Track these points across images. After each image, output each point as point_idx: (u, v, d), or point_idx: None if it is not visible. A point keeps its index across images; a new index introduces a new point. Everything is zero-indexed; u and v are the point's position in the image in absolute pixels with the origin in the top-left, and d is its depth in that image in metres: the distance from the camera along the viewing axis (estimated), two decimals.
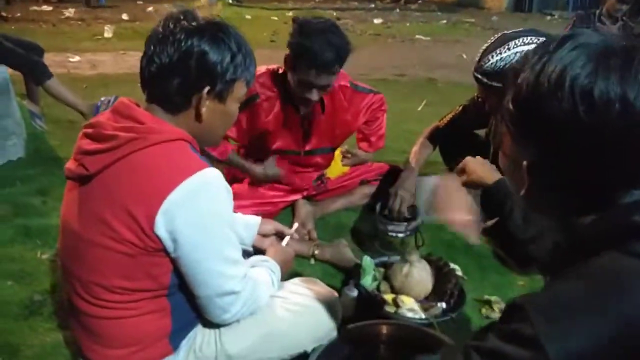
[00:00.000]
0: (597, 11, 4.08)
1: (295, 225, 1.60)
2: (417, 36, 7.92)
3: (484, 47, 1.75)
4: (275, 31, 7.63)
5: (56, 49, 5.49)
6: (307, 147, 2.16)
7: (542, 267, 1.03)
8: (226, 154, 2.04)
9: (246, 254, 1.44)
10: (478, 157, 1.40)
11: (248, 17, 8.84)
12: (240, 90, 1.10)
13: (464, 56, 6.50)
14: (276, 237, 1.53)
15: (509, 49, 1.65)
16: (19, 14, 7.65)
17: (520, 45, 1.65)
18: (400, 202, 1.99)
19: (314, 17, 1.88)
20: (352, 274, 1.83)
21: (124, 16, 8.23)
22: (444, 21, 9.67)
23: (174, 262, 1.03)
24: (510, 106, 0.66)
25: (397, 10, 11.24)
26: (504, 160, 0.73)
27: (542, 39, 1.63)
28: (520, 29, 1.75)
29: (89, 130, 1.06)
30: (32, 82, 3.16)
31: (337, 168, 2.40)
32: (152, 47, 1.02)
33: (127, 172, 0.99)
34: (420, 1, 12.69)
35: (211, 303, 1.07)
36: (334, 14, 9.83)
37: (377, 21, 9.30)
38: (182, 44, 1.00)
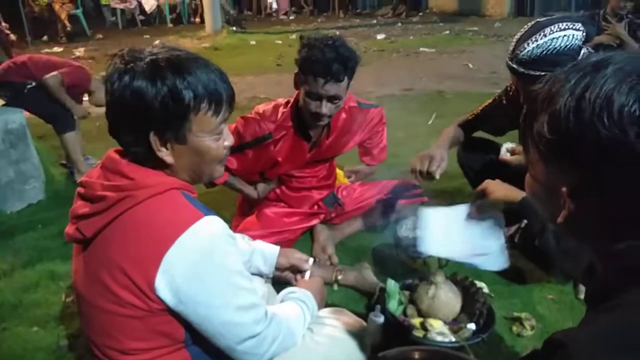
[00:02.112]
0: (601, 11, 4.06)
1: (311, 260, 1.58)
2: (421, 49, 7.94)
3: (517, 36, 1.72)
4: (281, 55, 7.71)
5: None
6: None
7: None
8: (224, 179, 2.06)
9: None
10: (497, 180, 1.40)
11: (253, 42, 8.96)
12: (205, 124, 0.97)
13: (470, 65, 6.50)
14: (292, 273, 1.53)
15: (544, 35, 1.63)
16: None
17: (557, 31, 1.62)
18: (429, 161, 1.88)
19: (321, 35, 1.90)
20: (376, 298, 1.81)
21: None
22: (447, 32, 9.69)
23: (184, 318, 0.99)
24: (547, 133, 0.64)
25: (399, 24, 11.30)
26: (534, 186, 0.71)
27: (577, 25, 1.63)
28: (553, 16, 1.73)
29: (81, 191, 1.03)
30: (54, 129, 3.19)
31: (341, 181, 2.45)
32: (105, 97, 0.97)
33: (120, 234, 0.94)
34: (421, 13, 12.77)
35: (234, 351, 1.04)
36: (337, 32, 9.91)
37: (380, 37, 9.36)
38: (115, 90, 0.92)
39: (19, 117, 2.84)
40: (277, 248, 1.50)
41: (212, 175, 1.07)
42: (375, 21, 11.99)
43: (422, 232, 1.50)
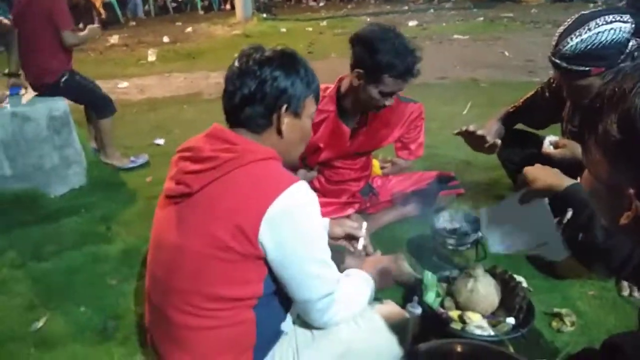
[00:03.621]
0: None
1: (365, 224, 1.62)
2: (454, 36, 7.77)
3: (560, 30, 1.69)
4: (312, 42, 7.70)
5: (105, 76, 5.74)
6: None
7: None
8: None
9: None
10: (537, 165, 1.36)
11: (283, 30, 8.94)
12: (311, 107, 1.24)
13: (506, 53, 6.34)
14: (346, 241, 1.58)
15: (589, 29, 1.59)
16: None
17: (603, 24, 1.58)
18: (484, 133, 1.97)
19: (368, 29, 1.88)
20: (413, 289, 1.81)
21: (165, 39, 8.50)
22: (481, 18, 9.45)
23: (270, 268, 1.11)
24: (617, 132, 0.63)
25: (432, 10, 11.07)
26: (595, 185, 0.70)
27: (625, 17, 1.58)
28: (598, 8, 1.68)
29: (187, 154, 1.17)
30: (94, 112, 3.28)
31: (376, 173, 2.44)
32: (232, 83, 1.17)
33: (229, 187, 1.08)
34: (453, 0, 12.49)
35: (309, 306, 1.15)
36: (367, 19, 9.81)
37: (412, 23, 9.19)
38: (258, 74, 1.15)
39: (62, 104, 2.93)
40: (327, 220, 1.55)
41: (295, 157, 1.28)
42: (406, 7, 11.78)
43: (486, 232, 1.50)
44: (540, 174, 1.31)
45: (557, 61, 1.66)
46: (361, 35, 1.87)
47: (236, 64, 1.19)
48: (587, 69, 1.63)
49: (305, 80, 1.20)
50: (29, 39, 2.98)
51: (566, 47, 1.62)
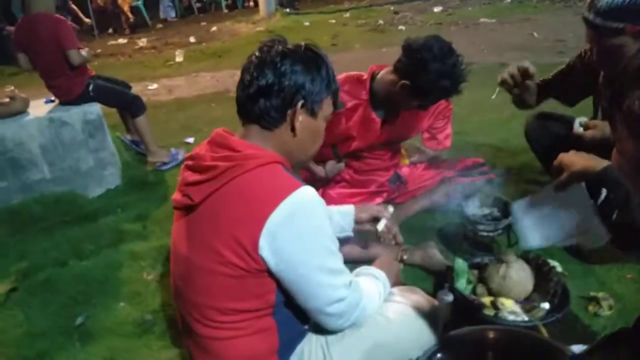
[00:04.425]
0: None
1: (390, 208, 1.62)
2: (481, 20, 7.59)
3: None
4: (335, 34, 7.67)
5: (136, 79, 5.87)
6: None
7: None
8: None
9: (346, 241, 1.49)
10: (571, 151, 1.33)
11: (307, 23, 8.93)
12: (328, 108, 1.19)
13: (535, 35, 6.16)
14: (371, 225, 1.55)
15: None
16: (99, 50, 8.26)
17: None
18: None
19: (423, 44, 1.83)
20: (444, 277, 1.79)
21: (191, 39, 8.63)
22: (508, 0, 9.21)
23: (278, 280, 1.07)
24: (639, 109, 0.61)
25: None
26: (622, 163, 0.68)
27: None
28: None
29: (190, 163, 1.15)
30: (128, 115, 3.38)
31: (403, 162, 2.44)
32: (251, 72, 1.12)
33: (229, 198, 1.05)
34: None
35: (322, 313, 1.11)
36: (392, 8, 9.69)
37: (436, 10, 9.03)
38: (278, 66, 1.10)
39: (95, 108, 3.03)
40: (352, 207, 1.53)
41: (305, 159, 1.23)
42: None
43: (519, 227, 1.47)
44: (576, 159, 1.29)
45: (591, 17, 1.58)
46: (415, 49, 1.83)
47: (256, 53, 1.14)
48: (621, 25, 1.54)
49: (326, 80, 1.15)
50: (47, 67, 3.01)
51: (602, 2, 1.53)
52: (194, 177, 1.10)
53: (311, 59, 1.14)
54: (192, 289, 1.13)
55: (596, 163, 1.22)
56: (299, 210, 1.02)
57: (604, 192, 1.43)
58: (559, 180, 1.29)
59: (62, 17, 3.03)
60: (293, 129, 1.13)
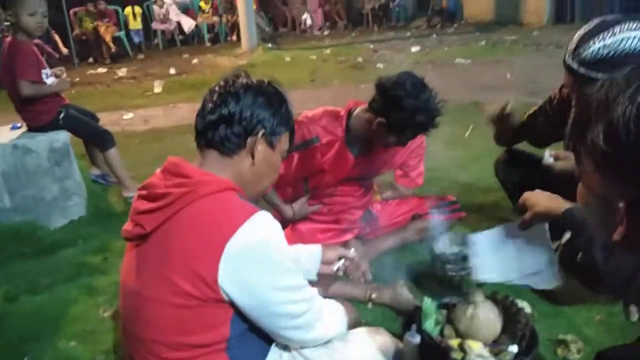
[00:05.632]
0: None
1: (352, 249, 1.57)
2: (457, 60, 7.80)
3: (580, 34, 1.57)
4: (314, 70, 7.77)
5: (111, 108, 5.81)
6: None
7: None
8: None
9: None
10: (537, 190, 1.32)
11: (288, 59, 9.06)
12: (285, 144, 1.21)
13: (508, 76, 6.33)
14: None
15: (613, 34, 1.48)
16: (77, 79, 8.18)
17: (627, 30, 1.48)
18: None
19: (395, 82, 1.83)
20: (412, 317, 1.74)
21: (172, 70, 8.63)
22: (483, 42, 9.49)
23: (235, 308, 1.04)
24: (603, 143, 0.58)
25: (434, 35, 11.16)
26: (588, 198, 0.66)
27: None
28: (619, 16, 1.58)
29: (143, 192, 1.12)
30: (96, 148, 3.30)
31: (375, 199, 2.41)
32: (214, 101, 1.14)
33: (183, 226, 1.02)
34: (456, 25, 12.60)
35: (286, 329, 1.10)
36: (371, 46, 9.92)
37: (414, 49, 9.27)
38: (241, 97, 1.13)
39: (63, 136, 2.96)
40: (320, 246, 1.49)
41: (258, 192, 1.22)
42: (409, 33, 11.90)
43: (475, 260, 1.44)
44: (540, 199, 1.27)
45: (574, 66, 1.56)
46: (388, 87, 1.83)
47: (221, 83, 1.17)
48: (605, 76, 1.47)
49: (285, 116, 1.18)
50: (10, 92, 2.94)
51: (587, 52, 1.52)
52: (146, 205, 1.07)
53: (273, 95, 1.17)
54: (140, 324, 1.08)
55: (559, 204, 1.20)
56: (257, 236, 1.01)
57: (568, 232, 1.41)
58: (523, 219, 1.27)
59: (24, 42, 2.90)
60: (252, 157, 1.14)
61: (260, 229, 1.02)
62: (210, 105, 1.14)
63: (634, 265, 0.95)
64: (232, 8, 11.82)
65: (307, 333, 1.13)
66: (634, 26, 1.48)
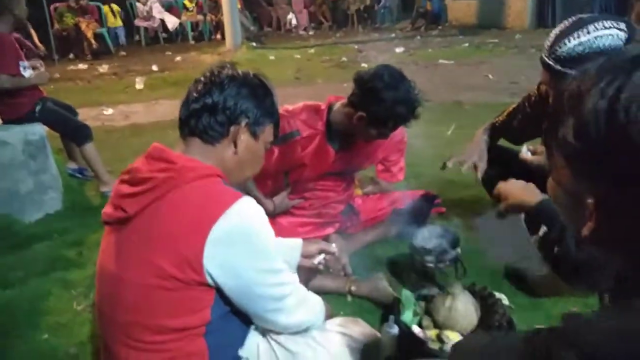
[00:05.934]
0: (626, 18, 3.96)
1: (334, 244, 1.56)
2: (440, 61, 7.87)
3: (557, 31, 1.61)
4: (299, 69, 7.76)
5: (91, 104, 5.71)
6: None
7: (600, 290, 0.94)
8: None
9: None
10: (511, 180, 1.32)
11: (272, 57, 9.02)
12: (268, 135, 1.21)
13: (490, 77, 6.41)
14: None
15: (588, 32, 1.52)
16: (57, 75, 8.03)
17: (601, 29, 1.51)
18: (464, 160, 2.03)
19: (373, 75, 1.83)
20: (391, 308, 1.74)
21: (154, 67, 8.53)
22: (466, 44, 9.60)
23: (218, 290, 1.04)
24: (573, 138, 0.58)
25: (418, 37, 11.24)
26: (558, 192, 0.66)
27: (621, 25, 1.52)
28: (596, 14, 1.63)
29: (126, 177, 1.11)
30: (73, 142, 3.24)
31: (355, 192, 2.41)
32: (198, 90, 1.14)
33: (167, 210, 1.02)
34: (440, 27, 12.71)
35: (269, 311, 1.11)
36: (355, 47, 9.94)
37: (398, 50, 9.31)
38: (226, 87, 1.13)
39: (39, 129, 2.89)
40: (300, 240, 1.48)
41: (241, 180, 1.22)
42: (394, 35, 11.97)
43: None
44: (513, 190, 1.27)
45: (551, 62, 1.59)
46: (366, 80, 1.83)
47: (206, 74, 1.17)
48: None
49: (270, 108, 1.18)
50: None
51: (562, 49, 1.55)
52: (128, 189, 1.07)
53: (258, 86, 1.18)
54: (120, 308, 1.06)
55: (531, 197, 1.21)
56: (242, 220, 1.02)
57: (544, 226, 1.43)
58: (497, 209, 1.27)
59: (3, 34, 2.85)
60: (235, 146, 1.14)
61: (246, 213, 1.03)
62: (194, 94, 1.14)
63: (606, 257, 0.96)
64: (216, 7, 11.73)
65: (289, 316, 1.13)
66: (609, 24, 1.52)
